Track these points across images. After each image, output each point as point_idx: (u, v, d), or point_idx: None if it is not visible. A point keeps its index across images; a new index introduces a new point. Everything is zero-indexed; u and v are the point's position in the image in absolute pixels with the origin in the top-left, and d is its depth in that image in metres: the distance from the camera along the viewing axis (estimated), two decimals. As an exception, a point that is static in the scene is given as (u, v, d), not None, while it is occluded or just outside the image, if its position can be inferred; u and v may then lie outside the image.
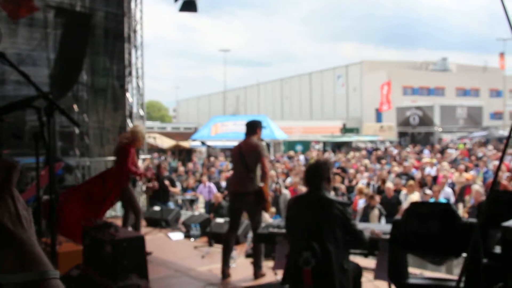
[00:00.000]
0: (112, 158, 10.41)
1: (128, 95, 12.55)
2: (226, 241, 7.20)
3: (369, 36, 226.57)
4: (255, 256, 7.11)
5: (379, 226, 6.62)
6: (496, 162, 19.03)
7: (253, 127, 7.32)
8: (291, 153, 33.12)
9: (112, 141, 11.81)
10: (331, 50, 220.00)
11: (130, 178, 8.24)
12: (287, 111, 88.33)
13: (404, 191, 14.19)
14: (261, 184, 7.02)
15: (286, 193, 13.95)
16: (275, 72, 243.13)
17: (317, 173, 4.77)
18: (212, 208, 13.41)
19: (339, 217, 4.55)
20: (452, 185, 15.83)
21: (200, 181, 19.96)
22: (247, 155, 7.02)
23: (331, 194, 4.93)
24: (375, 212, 12.45)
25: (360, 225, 5.45)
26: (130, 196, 8.20)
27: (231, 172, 7.51)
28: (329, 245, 4.48)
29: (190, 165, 25.94)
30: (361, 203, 13.42)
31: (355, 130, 51.54)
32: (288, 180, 18.54)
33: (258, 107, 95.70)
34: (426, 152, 31.65)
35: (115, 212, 11.74)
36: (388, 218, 12.14)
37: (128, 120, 12.27)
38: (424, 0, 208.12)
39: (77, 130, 12.36)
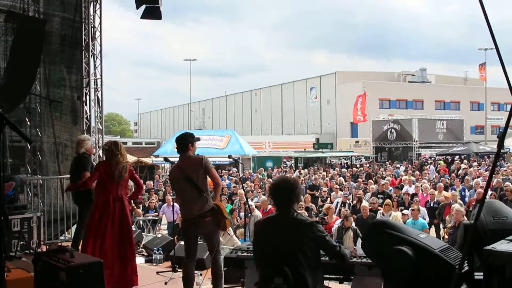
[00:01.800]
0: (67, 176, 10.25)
1: (86, 107, 12.44)
2: (185, 271, 6.98)
3: (342, 46, 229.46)
4: (213, 282, 6.99)
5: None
6: (478, 180, 19.32)
7: (184, 143, 6.97)
8: (261, 170, 33.19)
9: (69, 157, 11.65)
10: (302, 59, 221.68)
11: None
12: (256, 125, 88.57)
13: (381, 211, 14.32)
14: (214, 200, 6.87)
15: (257, 214, 13.92)
16: (243, 83, 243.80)
17: (286, 195, 4.78)
18: (176, 229, 13.30)
19: (310, 237, 4.56)
20: (438, 204, 16.03)
21: (163, 201, 19.83)
22: (192, 173, 6.75)
23: (302, 214, 4.94)
24: (350, 233, 12.50)
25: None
26: None
27: (179, 198, 7.19)
28: (301, 270, 4.48)
29: (151, 183, 25.80)
30: (338, 223, 13.48)
31: (328, 145, 51.96)
32: (255, 199, 18.53)
33: (226, 120, 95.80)
34: (402, 168, 32.04)
35: (70, 235, 11.56)
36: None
37: (78, 136, 12.10)
38: (396, 10, 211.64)
39: (29, 146, 12.19)
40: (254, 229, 5.10)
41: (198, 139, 7.29)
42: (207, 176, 6.85)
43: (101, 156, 12.30)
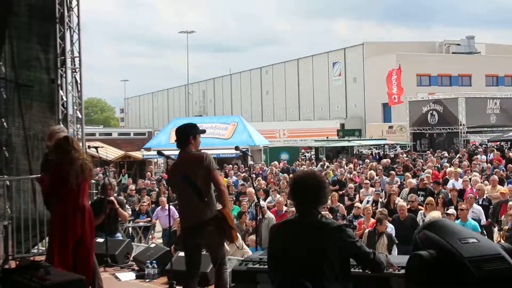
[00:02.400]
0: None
1: (61, 92, 12.42)
2: None
3: (371, 11, 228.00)
4: None
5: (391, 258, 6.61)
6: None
7: (185, 135, 7.01)
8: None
9: (43, 152, 11.64)
10: (323, 29, 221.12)
11: None
12: (268, 109, 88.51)
13: (421, 211, 14.22)
14: (219, 207, 6.92)
15: (271, 217, 13.92)
16: (251, 59, 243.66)
17: (313, 193, 4.75)
18: (174, 237, 13.33)
19: (337, 245, 4.54)
20: (488, 202, 15.88)
21: (156, 203, 19.86)
22: (192, 172, 6.78)
23: (327, 217, 4.92)
24: (384, 240, 12.40)
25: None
26: None
27: (178, 202, 7.18)
28: (327, 284, 4.48)
29: (142, 182, 25.83)
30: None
31: (356, 132, 51.74)
32: (268, 199, 18.52)
33: (231, 104, 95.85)
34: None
35: (44, 247, 11.55)
36: (402, 246, 12.12)
37: (62, 125, 12.08)
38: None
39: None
40: (270, 234, 5.08)
41: (203, 131, 7.32)
42: (210, 179, 6.88)
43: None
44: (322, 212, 4.90)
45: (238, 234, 7.37)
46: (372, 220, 13.99)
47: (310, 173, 5.15)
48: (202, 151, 7.09)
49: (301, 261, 4.59)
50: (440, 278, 4.41)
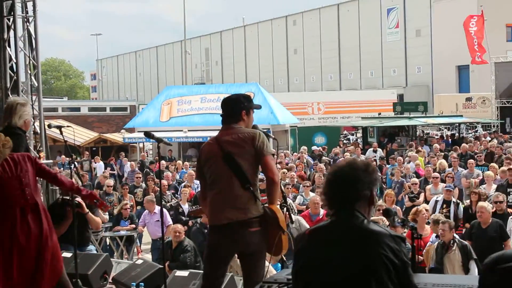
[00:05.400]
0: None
1: (9, 50, 12.47)
2: None
3: None
4: None
5: (462, 279, 6.62)
6: None
7: (236, 108, 7.16)
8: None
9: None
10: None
11: None
12: (297, 75, 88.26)
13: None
14: (267, 204, 6.96)
15: (300, 221, 13.94)
16: (273, 4, 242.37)
17: (348, 187, 4.74)
18: (168, 251, 13.41)
19: (390, 260, 4.51)
20: None
21: (142, 204, 19.90)
22: (239, 154, 6.89)
23: (377, 223, 4.90)
24: (455, 254, 12.31)
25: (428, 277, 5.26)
26: None
27: (210, 190, 7.15)
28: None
29: (103, 177, 25.75)
30: (433, 237, 13.34)
31: (420, 107, 51.54)
32: (298, 199, 18.51)
33: (245, 68, 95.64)
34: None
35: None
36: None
37: (12, 97, 12.10)
38: None
39: None
40: (295, 246, 5.08)
41: (259, 107, 7.56)
42: (259, 165, 6.97)
43: (38, 133, 12.31)
44: (374, 217, 4.86)
45: (287, 243, 7.13)
46: (427, 228, 13.70)
47: (348, 162, 5.10)
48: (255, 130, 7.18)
49: (339, 281, 4.58)
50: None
